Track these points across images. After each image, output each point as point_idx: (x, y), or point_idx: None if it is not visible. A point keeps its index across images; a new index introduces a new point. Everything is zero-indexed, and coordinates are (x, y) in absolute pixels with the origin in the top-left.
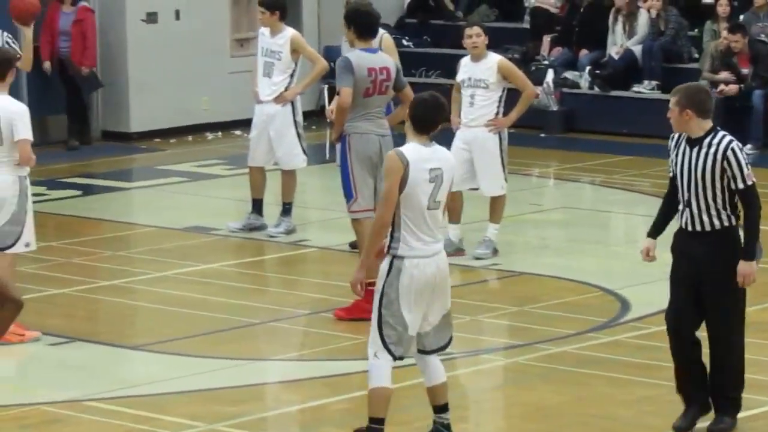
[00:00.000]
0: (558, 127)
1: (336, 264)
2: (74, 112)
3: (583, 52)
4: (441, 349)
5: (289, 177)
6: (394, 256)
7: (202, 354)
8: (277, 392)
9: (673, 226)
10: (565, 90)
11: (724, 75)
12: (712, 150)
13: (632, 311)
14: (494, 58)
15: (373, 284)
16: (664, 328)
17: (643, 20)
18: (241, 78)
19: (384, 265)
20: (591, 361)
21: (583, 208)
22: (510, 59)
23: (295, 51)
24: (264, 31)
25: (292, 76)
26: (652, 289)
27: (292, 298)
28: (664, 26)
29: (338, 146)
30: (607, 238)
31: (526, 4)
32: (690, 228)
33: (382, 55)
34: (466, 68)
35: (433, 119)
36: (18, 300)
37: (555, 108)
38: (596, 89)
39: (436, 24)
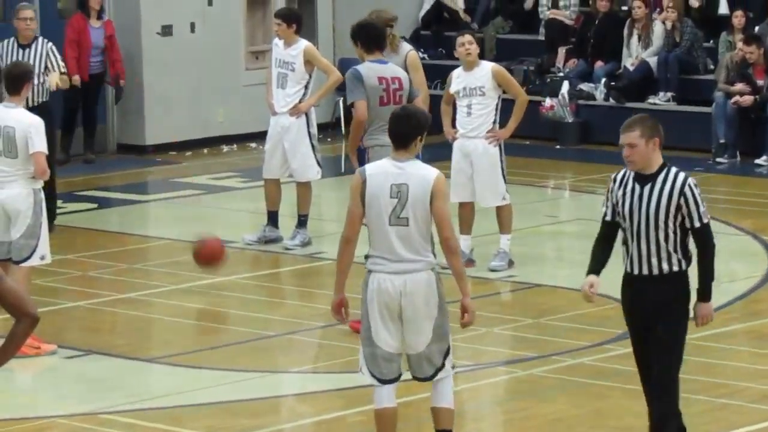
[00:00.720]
0: (573, 138)
1: (352, 276)
2: (91, 126)
3: (599, 63)
4: (424, 379)
5: (304, 189)
6: (367, 271)
7: (219, 366)
8: (293, 405)
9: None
10: (581, 102)
11: (739, 86)
12: (668, 186)
13: None
14: (488, 65)
15: None
16: None
17: (658, 32)
18: (256, 90)
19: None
20: (608, 373)
21: (598, 220)
22: (525, 71)
23: (309, 62)
24: (278, 42)
25: (306, 87)
26: None
27: (307, 310)
28: (679, 38)
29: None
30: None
31: (542, 16)
32: (637, 272)
33: (393, 66)
34: (459, 78)
35: (397, 131)
36: (34, 315)
37: (570, 120)
38: (612, 101)
39: (451, 36)
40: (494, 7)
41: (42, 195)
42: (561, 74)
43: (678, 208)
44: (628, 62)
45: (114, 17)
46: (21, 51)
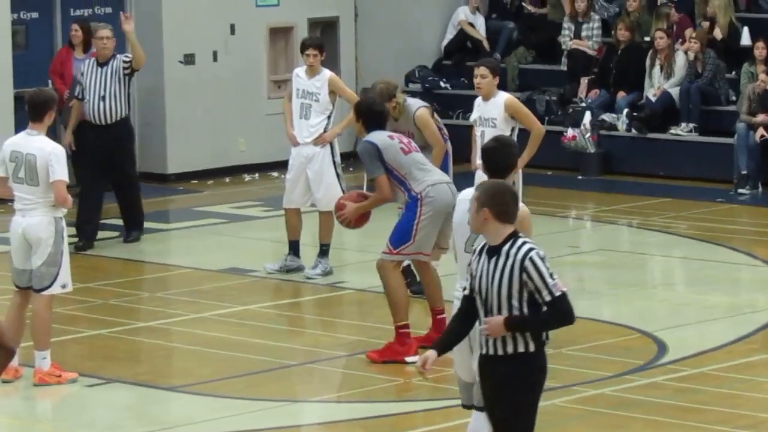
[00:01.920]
0: (595, 169)
1: (373, 306)
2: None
3: (621, 94)
4: (479, 409)
5: (326, 218)
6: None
7: (240, 395)
8: None
9: None
10: (603, 132)
11: (761, 117)
12: (510, 261)
13: (669, 354)
14: (502, 97)
15: (404, 326)
16: (702, 370)
17: (680, 62)
18: (278, 120)
19: None
20: (629, 404)
21: (620, 251)
22: (547, 101)
23: (333, 92)
24: (299, 72)
25: (329, 117)
26: (689, 332)
27: (328, 339)
28: (701, 68)
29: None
30: (645, 280)
31: (564, 46)
32: (485, 351)
33: (389, 125)
34: (478, 107)
35: (490, 163)
36: (9, 348)
37: (592, 150)
38: (633, 131)
39: (473, 66)
40: (516, 37)
41: (63, 223)
42: (583, 104)
43: (522, 285)
44: (650, 93)
45: None
46: (99, 69)
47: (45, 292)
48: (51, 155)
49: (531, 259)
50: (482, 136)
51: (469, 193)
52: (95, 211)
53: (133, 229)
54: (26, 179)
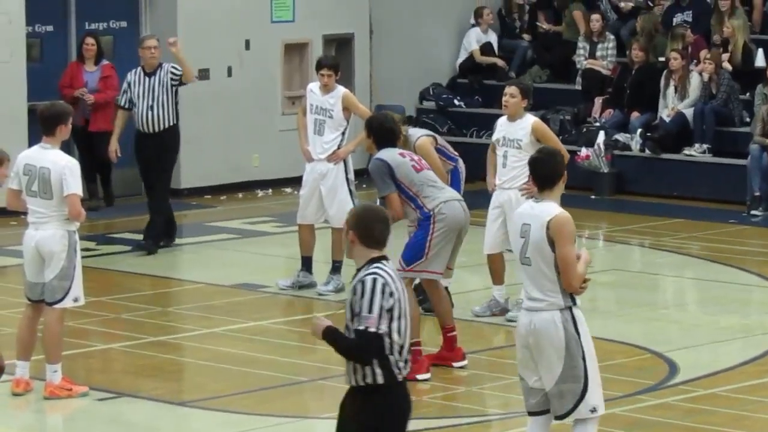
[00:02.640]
0: (609, 188)
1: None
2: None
3: (635, 114)
4: (557, 417)
5: (339, 235)
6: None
7: (250, 411)
8: None
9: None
10: (616, 152)
11: None
12: (353, 284)
13: (681, 374)
14: (530, 119)
15: (416, 344)
16: (714, 391)
17: (695, 83)
18: (292, 135)
19: None
20: (640, 424)
21: (632, 271)
22: (561, 120)
23: (347, 109)
24: (313, 87)
25: (343, 134)
26: (700, 353)
27: (340, 356)
28: (716, 89)
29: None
30: (656, 300)
31: (578, 66)
32: (347, 382)
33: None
34: (501, 127)
35: (539, 173)
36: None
37: (606, 170)
38: (647, 152)
39: (488, 84)
40: (531, 56)
41: (77, 237)
42: (597, 124)
43: (351, 304)
44: (665, 113)
45: None
46: (147, 79)
47: (57, 306)
48: (65, 169)
49: (362, 283)
50: (505, 156)
51: (527, 207)
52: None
53: (168, 238)
54: (40, 193)
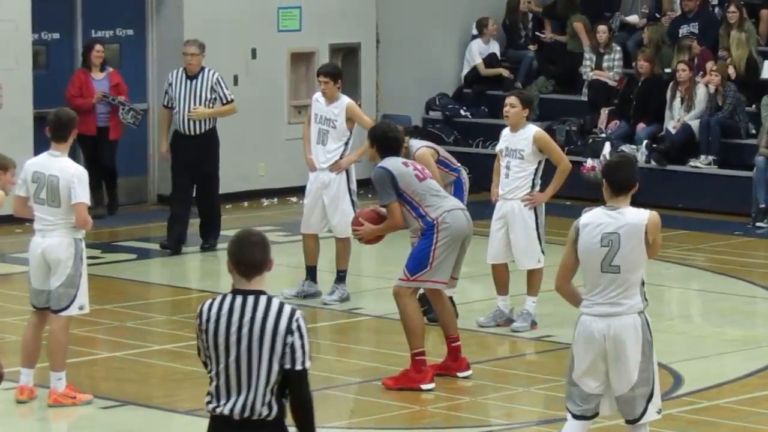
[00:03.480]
0: None
1: (390, 333)
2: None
3: (641, 125)
4: (629, 421)
5: (343, 244)
6: (581, 313)
7: None
8: None
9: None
10: None
11: None
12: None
13: (685, 386)
14: (531, 130)
15: (420, 354)
16: (718, 403)
17: (701, 95)
18: (298, 144)
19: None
20: None
21: None
22: (567, 131)
23: (350, 119)
24: (318, 97)
25: (346, 144)
26: (705, 364)
27: (344, 365)
28: (722, 101)
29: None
30: (661, 312)
31: (585, 77)
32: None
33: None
34: (505, 138)
35: (615, 178)
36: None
37: None
38: (653, 163)
39: (493, 94)
40: (537, 66)
41: (83, 245)
42: (603, 135)
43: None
44: (671, 125)
45: (157, 69)
46: (189, 82)
47: (63, 313)
48: (74, 177)
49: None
50: (508, 166)
51: (592, 216)
52: (184, 217)
53: (210, 236)
54: (48, 200)
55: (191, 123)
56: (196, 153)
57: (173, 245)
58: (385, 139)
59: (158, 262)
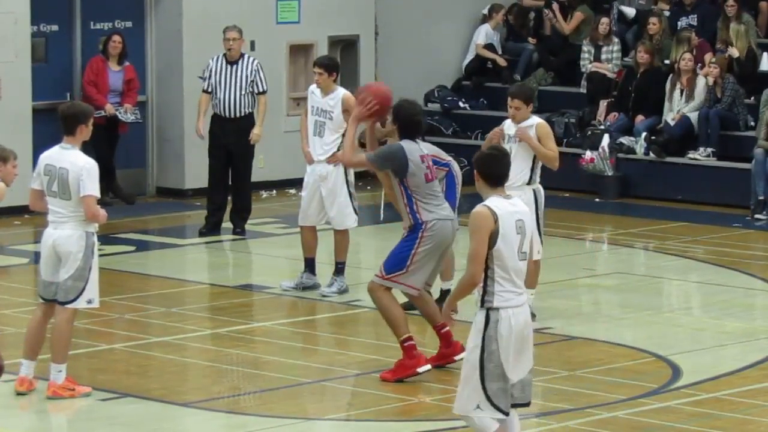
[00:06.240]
0: (613, 192)
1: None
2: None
3: (639, 117)
4: (527, 404)
5: (341, 236)
6: (489, 309)
7: (252, 412)
8: None
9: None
10: (621, 155)
11: None
12: None
13: (684, 378)
14: (535, 120)
15: (408, 339)
16: (717, 395)
17: (699, 87)
18: (296, 137)
19: (480, 318)
20: (643, 427)
21: (636, 274)
22: (566, 124)
23: (347, 111)
24: (314, 89)
25: (343, 135)
26: (704, 356)
27: (342, 358)
28: (720, 94)
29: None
30: (660, 304)
31: (583, 69)
32: None
33: (425, 144)
34: (510, 126)
35: (499, 171)
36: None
37: (610, 173)
38: (652, 155)
39: (492, 86)
40: (536, 59)
41: (95, 239)
42: (602, 127)
43: None
44: (669, 117)
45: (156, 60)
46: (229, 68)
47: (69, 306)
48: (83, 170)
49: None
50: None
51: (507, 204)
52: (222, 201)
53: (242, 221)
54: (59, 193)
55: (232, 107)
56: (235, 135)
57: (209, 232)
58: (410, 122)
59: (156, 255)
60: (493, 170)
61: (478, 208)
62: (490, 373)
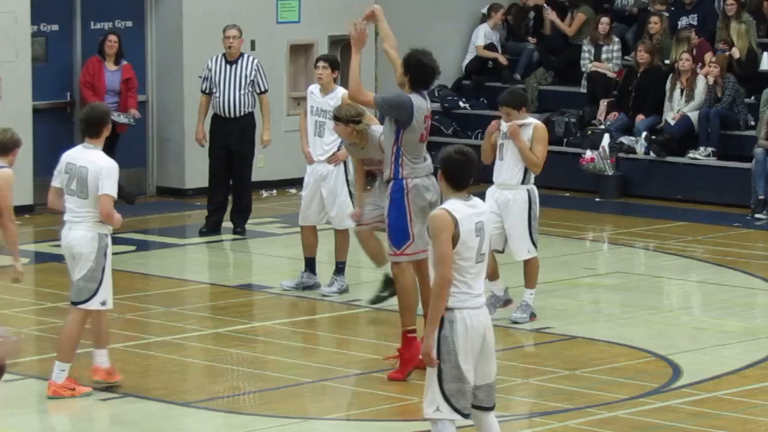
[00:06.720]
0: (613, 191)
1: (388, 325)
2: None
3: (640, 117)
4: (492, 408)
5: (342, 236)
6: (445, 309)
7: (253, 412)
8: None
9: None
10: (621, 155)
11: None
12: None
13: (684, 377)
14: (533, 121)
15: (412, 332)
16: (717, 394)
17: (700, 86)
18: (297, 137)
19: None
20: (643, 427)
21: (636, 273)
22: (566, 123)
23: None
24: (313, 89)
25: None
26: (704, 356)
27: (342, 357)
28: (721, 93)
29: (390, 189)
30: (661, 303)
31: (584, 69)
32: None
33: (428, 102)
34: (504, 126)
35: (464, 176)
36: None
37: (610, 172)
38: (652, 154)
39: (492, 86)
40: (537, 58)
41: (108, 240)
42: (602, 127)
43: None
44: (669, 116)
45: (156, 60)
46: (228, 67)
47: (81, 306)
48: (102, 169)
49: None
50: (503, 153)
51: (458, 208)
52: (223, 200)
53: (242, 221)
54: (77, 191)
55: (232, 106)
56: (235, 135)
57: (210, 231)
58: (422, 69)
59: (157, 254)
60: (457, 175)
61: (438, 211)
62: (446, 374)
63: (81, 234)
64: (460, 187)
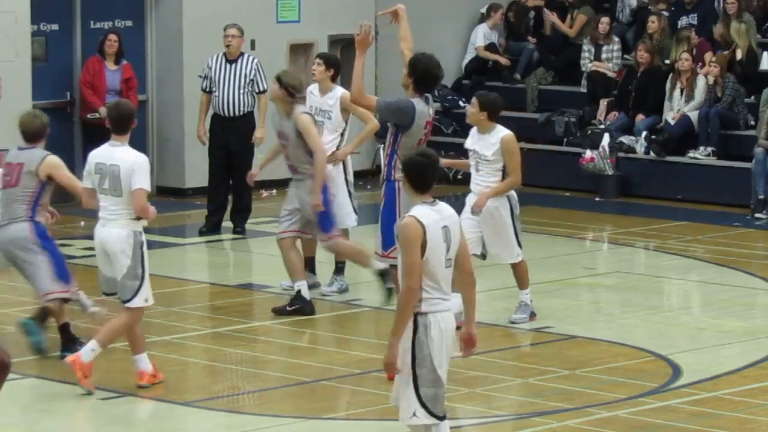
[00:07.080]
0: (613, 191)
1: (389, 324)
2: None
3: (640, 117)
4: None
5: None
6: (417, 313)
7: (253, 411)
8: None
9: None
10: (621, 154)
11: None
12: None
13: (684, 377)
14: (500, 133)
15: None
16: (717, 394)
17: (700, 86)
18: None
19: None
20: (643, 427)
21: (636, 273)
22: (566, 123)
23: (345, 110)
24: (313, 89)
25: (342, 135)
26: (704, 356)
27: (342, 357)
28: (721, 93)
29: (383, 190)
30: (661, 303)
31: (584, 68)
32: None
33: (431, 107)
34: (473, 138)
35: (430, 178)
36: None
37: (610, 172)
38: (652, 154)
39: (492, 86)
40: (537, 58)
41: (143, 237)
42: (602, 126)
43: None
44: (669, 116)
45: (156, 59)
46: (228, 66)
47: (127, 305)
48: (134, 164)
49: None
50: (477, 165)
51: (432, 212)
52: (222, 200)
53: (242, 220)
54: (110, 190)
55: (232, 105)
56: (235, 135)
57: (210, 231)
58: (428, 75)
59: (156, 254)
60: (419, 178)
61: (406, 220)
62: (423, 379)
63: (116, 231)
64: (424, 190)
